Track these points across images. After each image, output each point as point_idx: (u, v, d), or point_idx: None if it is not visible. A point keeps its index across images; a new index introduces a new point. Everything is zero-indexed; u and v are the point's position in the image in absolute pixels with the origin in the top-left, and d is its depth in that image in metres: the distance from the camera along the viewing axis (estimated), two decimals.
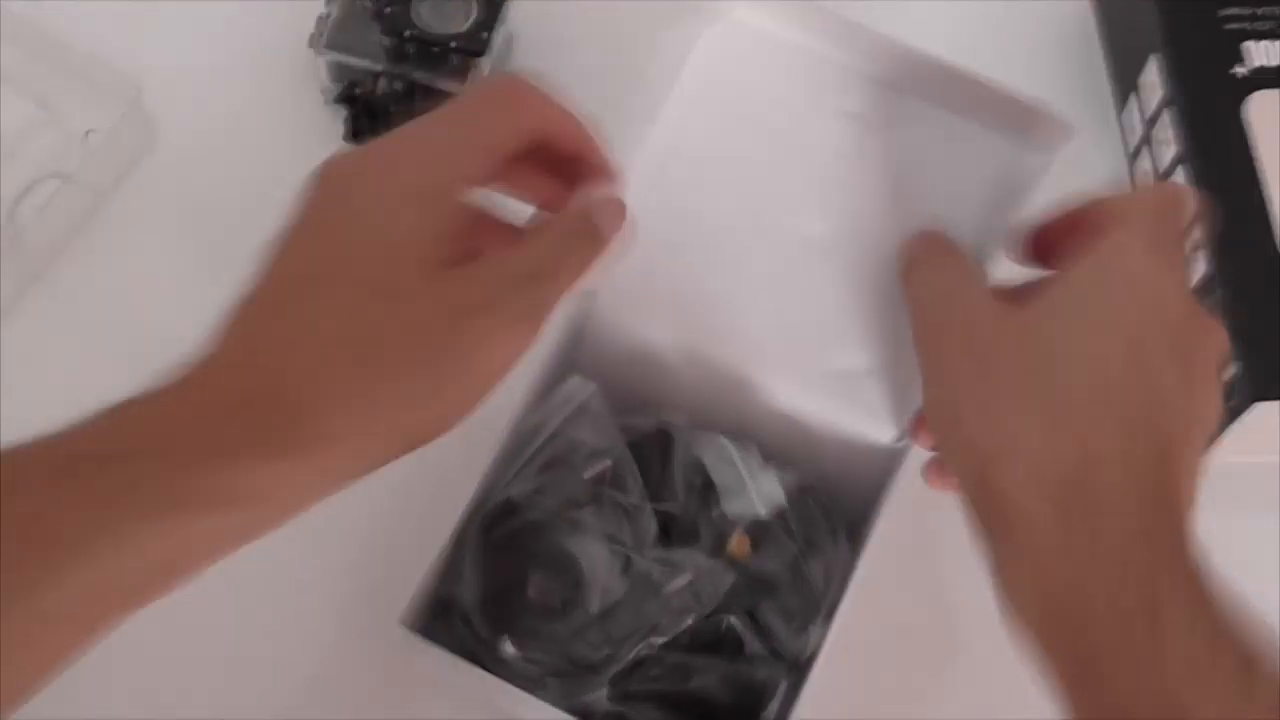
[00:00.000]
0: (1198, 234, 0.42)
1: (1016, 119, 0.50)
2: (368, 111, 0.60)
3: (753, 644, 0.48)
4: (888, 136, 0.51)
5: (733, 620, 0.48)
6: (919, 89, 0.51)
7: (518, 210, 0.44)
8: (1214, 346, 0.42)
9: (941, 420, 0.43)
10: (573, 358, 0.52)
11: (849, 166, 0.51)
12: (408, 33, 0.59)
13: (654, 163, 0.50)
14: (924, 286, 0.46)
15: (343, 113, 0.61)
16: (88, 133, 0.60)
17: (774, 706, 0.47)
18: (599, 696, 0.47)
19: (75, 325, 0.59)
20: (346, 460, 0.38)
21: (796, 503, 0.49)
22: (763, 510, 0.48)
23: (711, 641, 0.48)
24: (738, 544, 0.48)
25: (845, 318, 0.50)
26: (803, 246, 0.50)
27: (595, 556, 0.48)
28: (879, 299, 0.49)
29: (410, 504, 0.54)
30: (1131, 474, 0.38)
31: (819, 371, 0.49)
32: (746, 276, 0.50)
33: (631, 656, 0.47)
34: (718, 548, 0.48)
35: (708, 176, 0.51)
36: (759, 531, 0.48)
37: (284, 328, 0.37)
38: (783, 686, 0.47)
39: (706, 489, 0.49)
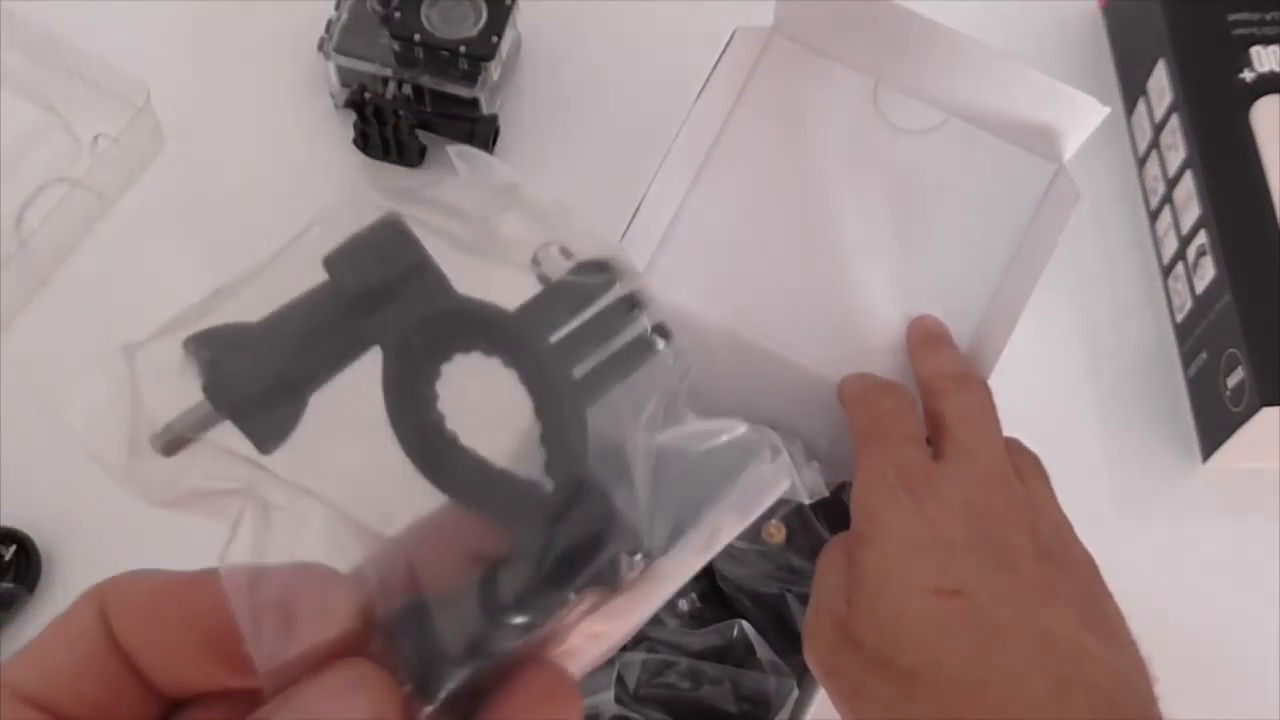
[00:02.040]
0: None
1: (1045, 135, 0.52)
2: (376, 116, 0.60)
3: (765, 650, 0.48)
4: (929, 149, 0.54)
5: (744, 625, 0.48)
6: (961, 102, 0.53)
7: None
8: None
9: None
10: None
11: (890, 174, 0.54)
12: (416, 37, 0.59)
13: (700, 162, 0.53)
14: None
15: (351, 117, 0.61)
16: (96, 137, 0.60)
17: (783, 717, 0.48)
18: (606, 699, 0.47)
19: (81, 331, 0.59)
20: None
21: (830, 499, 0.49)
22: (807, 497, 0.49)
23: (722, 647, 0.49)
24: (772, 530, 0.48)
25: (881, 315, 0.52)
26: (846, 245, 0.53)
27: None
28: (915, 300, 0.52)
29: None
30: None
31: (855, 364, 0.50)
32: (790, 271, 0.52)
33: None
34: (753, 534, 0.49)
35: (757, 177, 0.54)
36: (793, 522, 0.49)
37: None
38: (793, 696, 0.48)
39: None
